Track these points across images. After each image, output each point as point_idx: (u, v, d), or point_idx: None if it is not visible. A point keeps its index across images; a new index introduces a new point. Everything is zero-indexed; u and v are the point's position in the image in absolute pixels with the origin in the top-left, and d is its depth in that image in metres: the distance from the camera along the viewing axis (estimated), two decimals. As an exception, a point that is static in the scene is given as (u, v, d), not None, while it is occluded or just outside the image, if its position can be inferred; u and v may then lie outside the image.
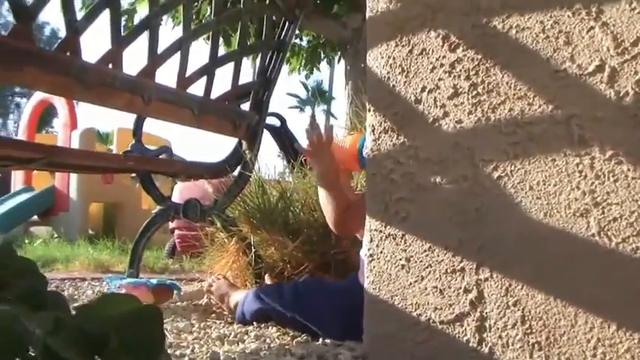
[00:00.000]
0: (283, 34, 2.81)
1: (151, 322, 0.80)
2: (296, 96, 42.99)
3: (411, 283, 1.42)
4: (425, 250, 1.40)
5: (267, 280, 2.65)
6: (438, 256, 1.38)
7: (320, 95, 42.90)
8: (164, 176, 3.47)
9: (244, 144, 2.79)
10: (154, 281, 2.59)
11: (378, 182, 1.49)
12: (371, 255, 1.49)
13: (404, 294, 1.42)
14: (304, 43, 9.06)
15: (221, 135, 2.65)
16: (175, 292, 2.63)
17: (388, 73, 1.49)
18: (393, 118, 1.47)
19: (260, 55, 2.76)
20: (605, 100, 1.19)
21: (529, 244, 1.26)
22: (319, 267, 2.66)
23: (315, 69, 9.23)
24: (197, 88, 2.48)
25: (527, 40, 1.29)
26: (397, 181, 1.45)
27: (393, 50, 1.48)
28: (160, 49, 2.27)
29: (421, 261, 1.40)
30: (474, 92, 1.35)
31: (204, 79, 2.48)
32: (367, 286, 1.50)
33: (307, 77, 9.44)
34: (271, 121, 3.82)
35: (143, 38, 2.25)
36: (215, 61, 2.48)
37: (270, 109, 2.95)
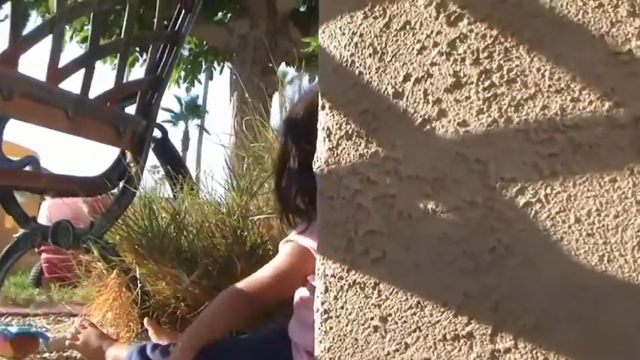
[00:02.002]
0: (178, 24, 2.33)
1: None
2: (170, 110, 41.81)
3: (389, 353, 0.99)
4: (410, 307, 0.98)
5: (147, 325, 2.14)
6: (432, 315, 0.96)
7: (193, 110, 42.28)
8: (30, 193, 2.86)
9: (128, 155, 2.27)
10: (14, 329, 2.03)
11: (336, 208, 1.05)
12: (326, 311, 1.05)
13: (378, 369, 1.00)
14: (185, 52, 8.51)
15: (101, 144, 2.13)
16: (42, 341, 2.07)
17: (353, 55, 1.06)
18: (359, 118, 1.04)
19: (150, 49, 2.26)
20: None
21: (575, 302, 0.87)
22: (221, 306, 2.19)
23: (195, 81, 8.71)
24: (72, 85, 1.96)
25: (569, 9, 0.90)
26: (366, 208, 1.02)
27: (361, 24, 1.06)
28: (26, 30, 1.73)
29: (405, 322, 0.98)
30: (487, 83, 0.95)
31: (81, 72, 1.96)
32: (320, 355, 1.06)
33: (188, 90, 8.90)
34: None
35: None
36: (95, 50, 1.96)
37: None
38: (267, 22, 6.45)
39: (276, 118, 3.10)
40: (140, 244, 2.26)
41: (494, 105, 0.94)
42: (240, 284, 1.52)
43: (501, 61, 0.94)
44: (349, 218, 1.04)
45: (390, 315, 0.99)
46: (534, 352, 0.89)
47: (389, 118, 1.02)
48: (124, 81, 2.19)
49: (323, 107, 1.09)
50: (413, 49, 1.01)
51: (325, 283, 1.06)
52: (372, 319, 1.01)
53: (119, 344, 1.95)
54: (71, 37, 7.02)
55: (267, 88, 2.88)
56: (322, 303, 1.06)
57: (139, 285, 2.16)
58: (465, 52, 0.97)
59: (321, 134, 1.09)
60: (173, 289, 2.20)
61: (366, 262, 1.01)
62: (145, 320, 2.11)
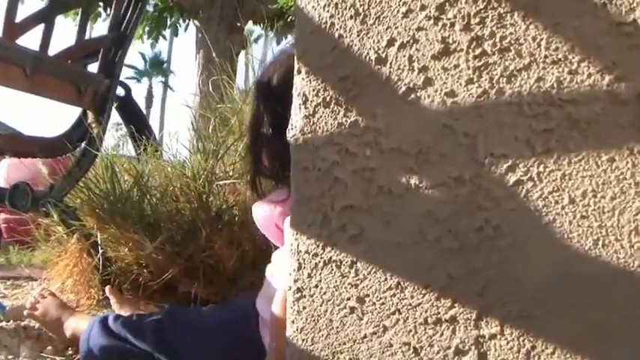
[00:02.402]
0: (144, -23, 2.20)
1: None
2: (133, 67, 40.97)
3: (366, 336, 0.93)
4: (390, 288, 0.92)
5: (108, 293, 2.06)
6: (412, 297, 0.90)
7: (157, 67, 41.63)
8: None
9: (90, 115, 2.16)
10: (-31, 298, 1.93)
11: (311, 180, 0.98)
12: (299, 289, 0.99)
13: (354, 351, 0.94)
14: (150, 8, 8.25)
15: (61, 103, 2.02)
16: (-1, 311, 1.98)
17: (332, 17, 0.98)
18: (339, 84, 0.97)
19: (114, 3, 2.14)
20: None
21: (567, 288, 0.82)
22: (185, 273, 2.13)
23: (160, 37, 8.49)
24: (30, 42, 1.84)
25: (569, -29, 0.83)
26: (344, 181, 0.95)
27: (342, -18, 0.98)
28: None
29: (383, 303, 0.92)
30: (478, 50, 0.88)
31: (40, 28, 1.84)
32: (292, 335, 1.00)
33: (152, 46, 8.66)
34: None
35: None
36: (56, 4, 1.84)
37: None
38: (235, -22, 6.28)
39: (242, 78, 3.00)
40: (101, 208, 2.16)
41: (485, 75, 0.87)
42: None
43: (494, 28, 0.87)
44: (325, 192, 0.97)
45: (368, 296, 0.93)
46: (521, 339, 0.84)
47: (370, 85, 0.95)
48: (86, 38, 2.07)
49: (299, 71, 1.01)
50: (398, 11, 0.93)
51: (299, 259, 0.99)
52: (348, 299, 0.95)
53: (79, 314, 1.87)
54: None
55: (233, 46, 2.76)
56: (295, 281, 0.99)
57: (101, 251, 2.07)
58: (454, 16, 0.90)
59: (296, 100, 1.01)
60: (135, 255, 2.11)
61: (343, 238, 0.95)
62: (107, 288, 2.03)
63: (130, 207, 2.17)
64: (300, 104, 1.00)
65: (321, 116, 0.98)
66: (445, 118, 0.89)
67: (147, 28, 7.89)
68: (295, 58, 1.02)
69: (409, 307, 0.90)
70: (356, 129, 0.95)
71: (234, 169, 2.20)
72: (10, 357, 1.61)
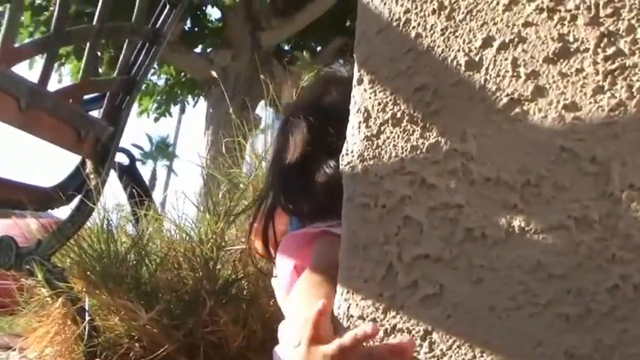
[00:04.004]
0: (161, 20, 2.02)
1: None
2: (139, 147, 41.19)
3: None
4: (480, 370, 0.66)
5: None
6: (514, 384, 0.64)
7: (163, 150, 41.99)
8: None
9: (89, 164, 1.93)
10: None
11: (372, 221, 0.74)
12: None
13: None
14: (161, 82, 8.18)
15: (57, 146, 1.80)
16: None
17: (408, 12, 0.77)
18: (414, 97, 0.74)
19: (125, 44, 1.95)
20: None
21: None
22: (182, 350, 1.84)
23: (167, 114, 8.36)
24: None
25: None
26: (417, 222, 0.71)
27: (422, -31, 0.76)
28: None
29: (471, 392, 0.66)
30: (610, 50, 0.66)
31: (41, 59, 1.64)
32: None
33: (156, 120, 8.50)
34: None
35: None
36: (60, 34, 1.64)
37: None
38: (250, 54, 6.19)
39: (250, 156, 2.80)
40: (93, 270, 1.90)
41: (620, 81, 0.65)
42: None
43: (632, 21, 0.65)
44: (391, 236, 0.73)
45: (448, 379, 0.67)
46: None
47: (458, 96, 0.72)
48: (92, 77, 1.87)
49: (360, 81, 0.79)
50: (498, 3, 0.72)
51: (349, 327, 0.74)
52: (418, 384, 0.69)
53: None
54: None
55: (245, 124, 2.58)
56: (342, 355, 0.73)
57: (88, 318, 1.80)
58: (576, 7, 0.68)
59: (355, 118, 0.79)
60: (127, 326, 1.84)
61: (414, 300, 0.70)
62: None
63: (125, 271, 1.91)
64: (359, 122, 0.77)
65: (388, 137, 0.75)
66: (563, 139, 0.66)
67: (155, 103, 7.79)
68: (356, 65, 0.80)
69: (509, 399, 0.64)
70: (436, 153, 0.71)
71: (246, 236, 1.96)
72: None
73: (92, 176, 1.93)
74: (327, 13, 6.56)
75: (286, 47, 7.39)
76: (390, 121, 0.75)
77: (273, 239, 1.13)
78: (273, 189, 1.12)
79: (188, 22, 7.14)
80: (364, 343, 0.68)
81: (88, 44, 1.81)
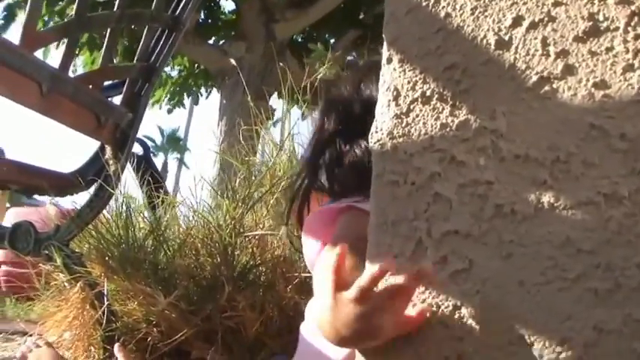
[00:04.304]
0: (180, 7, 2.03)
1: None
2: (151, 139, 41.27)
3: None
4: (510, 343, 0.67)
5: (117, 352, 1.78)
6: (542, 357, 0.65)
7: (174, 143, 41.98)
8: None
9: (108, 150, 1.95)
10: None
11: (401, 197, 0.75)
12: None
13: None
14: (174, 73, 8.18)
15: (77, 131, 1.81)
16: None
17: (438, -9, 0.77)
18: (444, 75, 0.75)
19: (145, 31, 1.96)
20: None
21: None
22: (200, 335, 1.85)
23: (180, 104, 8.36)
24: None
25: None
26: (447, 198, 0.72)
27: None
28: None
29: (499, 365, 0.67)
30: (644, 26, 0.66)
31: (62, 45, 1.65)
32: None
33: (169, 112, 8.49)
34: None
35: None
36: (81, 19, 1.65)
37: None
38: (264, 46, 6.20)
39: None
40: (112, 255, 1.92)
41: (654, 58, 0.65)
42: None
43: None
44: (420, 213, 0.74)
45: (477, 353, 0.68)
46: None
47: (488, 75, 0.73)
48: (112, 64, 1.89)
49: (390, 60, 0.80)
50: (529, -19, 0.72)
51: (378, 302, 0.74)
52: (446, 358, 0.70)
53: (77, 371, 1.61)
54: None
55: (261, 112, 2.58)
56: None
57: (106, 303, 1.82)
58: (609, -16, 0.68)
59: (384, 96, 0.79)
60: (145, 311, 1.85)
61: (443, 275, 0.71)
62: (116, 346, 1.76)
63: (143, 256, 1.92)
64: (389, 100, 0.78)
65: (418, 115, 0.76)
66: (593, 117, 0.67)
67: (168, 94, 7.79)
68: (385, 44, 0.81)
69: (538, 372, 0.65)
70: (466, 131, 0.72)
71: (265, 223, 1.97)
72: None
73: (111, 162, 1.94)
74: (341, 5, 6.56)
75: (299, 40, 7.39)
76: (419, 100, 0.76)
77: None
78: (307, 168, 1.15)
79: (202, 13, 7.16)
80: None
81: (108, 30, 1.82)
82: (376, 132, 0.79)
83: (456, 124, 0.73)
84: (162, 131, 41.45)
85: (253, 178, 2.18)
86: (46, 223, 2.22)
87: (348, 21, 6.85)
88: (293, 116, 2.49)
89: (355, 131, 1.03)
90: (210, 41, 7.08)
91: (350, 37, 6.78)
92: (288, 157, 2.21)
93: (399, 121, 0.77)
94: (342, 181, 1.05)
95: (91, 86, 1.79)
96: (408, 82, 0.77)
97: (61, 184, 1.97)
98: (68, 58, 1.65)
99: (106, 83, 1.93)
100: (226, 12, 7.59)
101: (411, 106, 0.76)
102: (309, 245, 1.06)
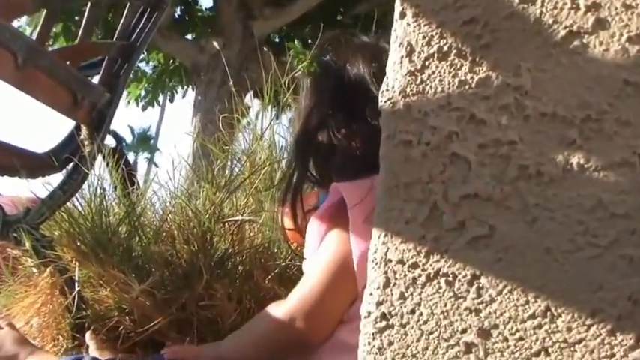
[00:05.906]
0: (163, -14, 1.96)
1: None
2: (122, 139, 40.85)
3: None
4: (533, 315, 0.62)
5: (89, 339, 1.70)
6: (570, 330, 0.60)
7: (144, 143, 41.69)
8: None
9: (84, 130, 1.87)
10: None
11: (414, 159, 0.69)
12: (384, 316, 0.68)
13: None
14: (148, 69, 8.06)
15: (52, 109, 1.73)
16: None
17: (457, -60, 0.72)
18: (462, 30, 0.70)
19: (127, 9, 1.89)
20: None
21: None
22: (174, 325, 1.78)
23: (155, 102, 8.24)
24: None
25: None
26: (466, 159, 0.67)
27: None
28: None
29: (521, 339, 0.63)
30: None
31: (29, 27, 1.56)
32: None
33: (144, 109, 8.36)
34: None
35: None
36: (60, -10, 1.57)
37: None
38: (240, 43, 6.13)
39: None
40: (84, 240, 1.83)
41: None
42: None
43: None
44: (435, 175, 0.68)
45: (497, 327, 0.63)
46: None
47: (511, 30, 0.67)
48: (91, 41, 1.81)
49: (403, 15, 0.74)
50: None
51: (387, 273, 0.69)
52: (463, 331, 0.64)
53: (42, 353, 1.52)
54: None
55: (241, 102, 2.54)
56: (379, 303, 0.69)
57: (77, 289, 1.73)
58: None
59: (396, 53, 0.74)
60: (118, 298, 1.77)
61: (461, 242, 0.65)
62: (88, 334, 1.67)
63: (117, 242, 1.85)
64: (402, 57, 0.73)
65: (433, 72, 0.70)
66: (627, 73, 0.62)
67: (142, 91, 7.67)
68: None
69: (564, 346, 0.60)
70: (487, 88, 0.67)
71: (246, 209, 1.90)
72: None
73: (87, 143, 1.86)
74: (319, 5, 6.52)
75: (276, 39, 7.34)
76: (435, 56, 0.71)
77: (302, 214, 1.16)
78: (296, 160, 1.13)
79: (178, 9, 7.07)
80: None
81: (89, 5, 1.74)
82: (387, 90, 0.73)
83: (476, 81, 0.68)
84: (132, 131, 41.08)
85: (233, 165, 2.13)
86: (16, 207, 2.13)
87: (326, 21, 6.81)
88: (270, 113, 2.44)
89: (346, 112, 1.02)
90: (188, 37, 7.00)
91: (328, 37, 6.74)
92: (268, 145, 2.15)
93: (413, 78, 0.71)
94: (337, 170, 1.04)
95: (68, 63, 1.71)
96: (424, 38, 0.72)
97: (33, 164, 1.88)
98: (46, 29, 1.57)
99: (84, 63, 1.85)
100: (203, 9, 7.50)
101: (427, 63, 0.71)
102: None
